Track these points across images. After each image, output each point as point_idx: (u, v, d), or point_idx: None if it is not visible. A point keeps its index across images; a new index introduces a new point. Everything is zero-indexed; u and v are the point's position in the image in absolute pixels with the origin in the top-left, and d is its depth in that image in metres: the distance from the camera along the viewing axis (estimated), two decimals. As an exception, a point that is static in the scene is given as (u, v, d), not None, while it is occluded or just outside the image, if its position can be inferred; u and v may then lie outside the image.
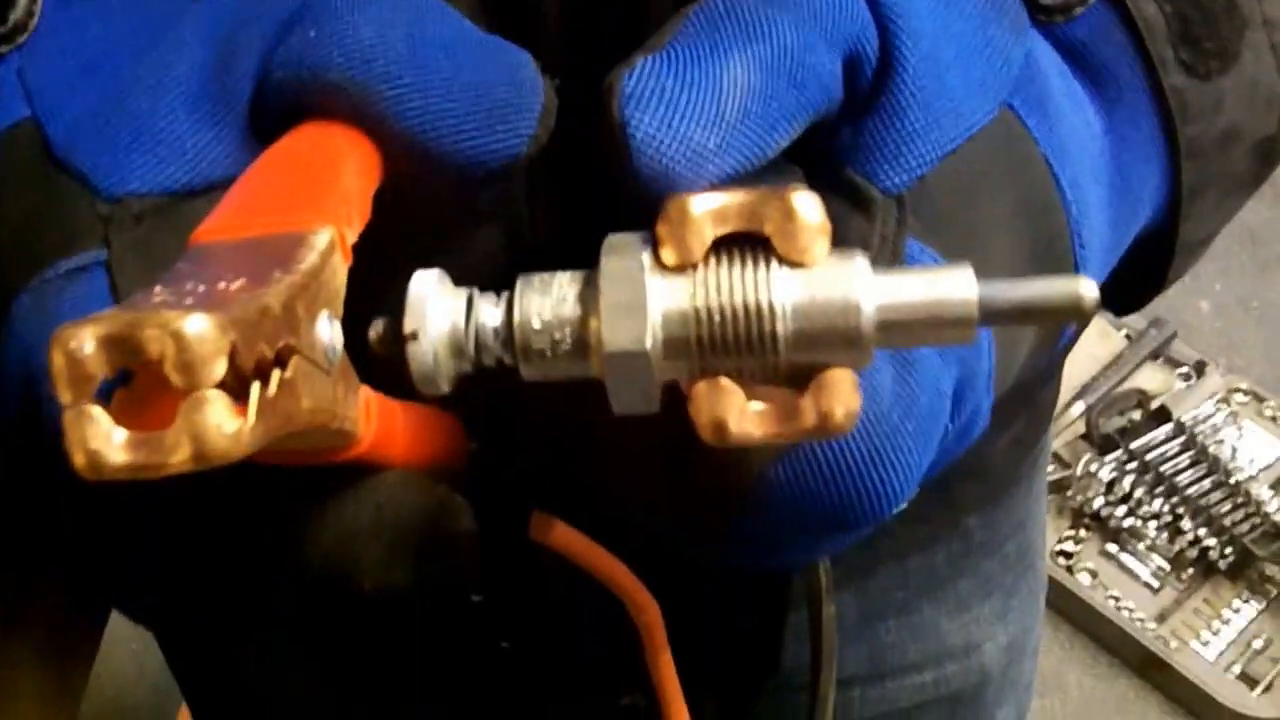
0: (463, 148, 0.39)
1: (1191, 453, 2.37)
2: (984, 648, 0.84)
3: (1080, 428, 2.43)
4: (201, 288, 0.31)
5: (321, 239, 0.34)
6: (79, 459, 0.29)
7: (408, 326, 0.32)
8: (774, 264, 0.32)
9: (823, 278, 0.32)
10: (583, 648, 0.68)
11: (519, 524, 0.47)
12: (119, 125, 0.41)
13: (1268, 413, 2.49)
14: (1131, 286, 0.55)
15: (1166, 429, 2.41)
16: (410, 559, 0.43)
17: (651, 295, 0.32)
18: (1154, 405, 2.44)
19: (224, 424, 0.28)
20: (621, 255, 0.32)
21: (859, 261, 0.32)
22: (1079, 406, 2.43)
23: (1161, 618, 2.26)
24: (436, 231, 0.44)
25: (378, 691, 0.75)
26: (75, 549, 0.45)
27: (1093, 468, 2.36)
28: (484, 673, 0.72)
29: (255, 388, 0.30)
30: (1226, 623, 2.25)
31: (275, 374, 0.30)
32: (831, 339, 0.32)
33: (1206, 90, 0.48)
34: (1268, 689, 2.17)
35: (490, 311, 0.33)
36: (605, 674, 0.68)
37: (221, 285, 0.31)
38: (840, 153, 0.40)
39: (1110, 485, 2.35)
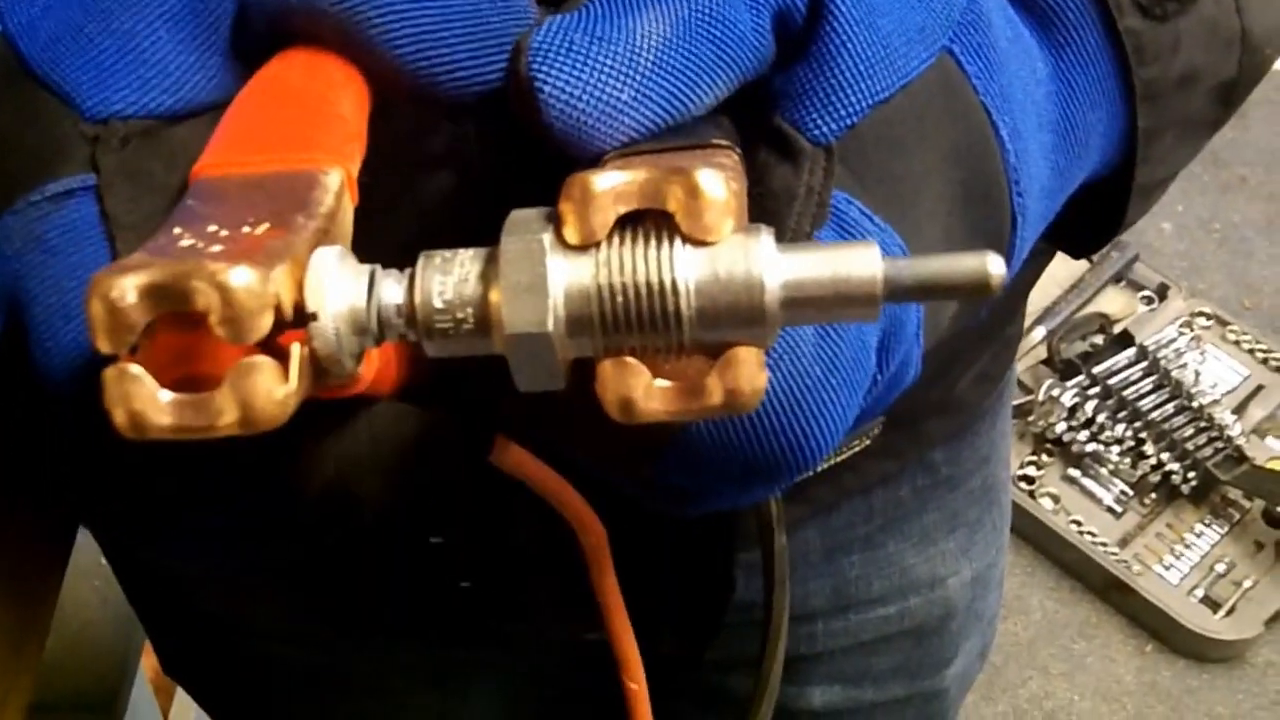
0: (455, 76, 0.39)
1: (1154, 377, 2.38)
2: (948, 581, 0.84)
3: (1042, 353, 2.42)
4: (225, 231, 0.31)
5: (334, 179, 0.35)
6: (120, 418, 0.29)
7: (309, 306, 0.31)
8: (678, 242, 0.32)
9: (726, 255, 0.32)
10: (542, 587, 0.68)
11: (483, 447, 0.47)
12: (103, 44, 0.40)
13: (1230, 336, 2.49)
14: (1088, 229, 0.55)
15: (1129, 353, 2.41)
16: (408, 489, 0.44)
17: (553, 275, 0.32)
18: (1116, 329, 2.44)
19: (274, 390, 0.29)
20: (522, 234, 0.32)
21: (763, 239, 0.32)
22: (1040, 331, 2.43)
23: (1124, 542, 2.26)
24: (398, 175, 0.43)
25: (340, 626, 0.77)
26: (56, 469, 0.45)
27: (1054, 393, 2.36)
28: (445, 610, 0.73)
29: (297, 350, 0.30)
30: (1189, 547, 2.25)
31: (309, 329, 0.31)
32: (735, 317, 0.32)
33: (1163, 32, 0.48)
34: (1230, 612, 2.18)
35: (392, 289, 0.33)
36: (566, 611, 0.67)
37: (245, 229, 0.31)
38: (770, 100, 0.40)
39: (1072, 410, 2.35)
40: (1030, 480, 2.32)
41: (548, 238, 0.32)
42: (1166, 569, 2.23)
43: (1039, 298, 2.44)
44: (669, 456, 0.38)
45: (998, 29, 0.43)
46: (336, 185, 0.34)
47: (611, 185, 0.32)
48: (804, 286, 0.32)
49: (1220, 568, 2.23)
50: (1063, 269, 2.51)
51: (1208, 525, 2.28)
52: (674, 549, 0.65)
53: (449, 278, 0.33)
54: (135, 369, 0.29)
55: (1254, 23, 0.52)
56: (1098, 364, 2.38)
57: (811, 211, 0.38)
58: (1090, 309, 2.48)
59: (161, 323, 0.29)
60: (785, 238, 0.38)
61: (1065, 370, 2.40)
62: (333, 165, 0.35)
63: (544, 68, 0.37)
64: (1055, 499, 2.31)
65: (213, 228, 0.31)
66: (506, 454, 0.47)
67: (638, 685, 0.60)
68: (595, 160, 0.38)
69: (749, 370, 0.32)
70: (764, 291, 0.31)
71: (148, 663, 1.45)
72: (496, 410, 0.47)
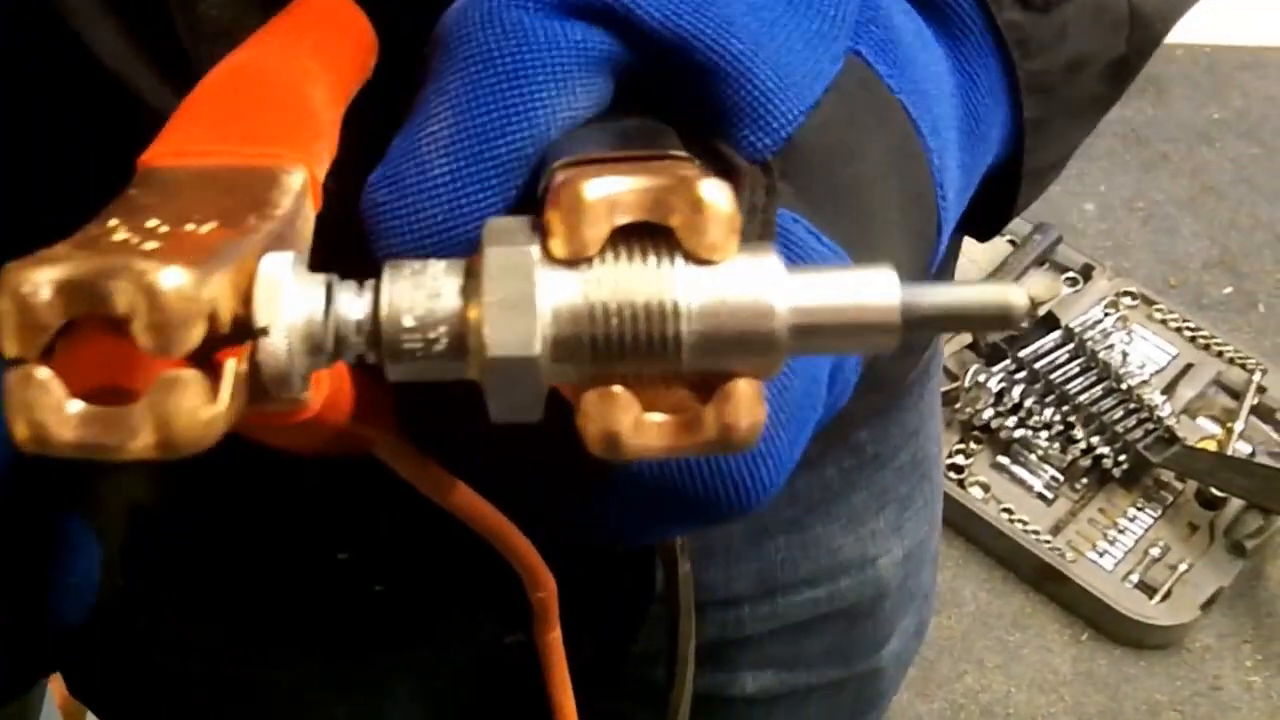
0: None
1: (1081, 359, 2.36)
2: (879, 561, 0.83)
3: (966, 337, 2.40)
4: (166, 227, 0.28)
5: (296, 179, 0.33)
6: (20, 429, 0.26)
7: (259, 319, 0.28)
8: (679, 260, 0.30)
9: (732, 276, 0.29)
10: (458, 591, 0.67)
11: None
12: None
13: (1157, 315, 2.48)
14: (983, 214, 0.54)
15: (1055, 336, 2.39)
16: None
17: (541, 292, 0.29)
18: (1041, 312, 2.42)
19: (198, 410, 0.26)
20: (507, 244, 0.29)
21: (772, 259, 0.30)
22: None
23: (1056, 529, 2.24)
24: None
25: (249, 637, 0.75)
26: None
27: (981, 378, 2.33)
28: (358, 617, 0.72)
29: (231, 366, 0.27)
30: (1122, 532, 2.23)
31: (252, 344, 0.28)
32: (741, 344, 0.29)
33: (1047, 22, 0.47)
34: (1166, 597, 2.17)
35: (352, 302, 0.30)
36: (484, 615, 0.69)
37: (189, 227, 0.29)
38: (704, 120, 0.38)
39: (999, 396, 2.33)
40: (959, 469, 2.29)
41: (535, 250, 0.29)
42: (1100, 555, 2.21)
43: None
44: (607, 496, 0.37)
45: (900, 23, 0.43)
46: (298, 186, 0.32)
47: (606, 194, 0.29)
48: (817, 313, 0.30)
49: (1155, 552, 2.21)
50: (984, 253, 2.49)
51: (1140, 509, 2.26)
52: (593, 561, 0.64)
53: (420, 292, 0.29)
54: (42, 374, 0.26)
55: (1143, 0, 0.51)
56: (1023, 347, 2.36)
57: (756, 232, 0.36)
58: None
59: (87, 324, 0.26)
60: None
61: (990, 355, 2.37)
62: (296, 164, 0.33)
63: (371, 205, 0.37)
64: (985, 488, 2.29)
65: (153, 222, 0.29)
66: (454, 493, 0.44)
67: None
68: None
69: (748, 404, 0.30)
70: (773, 317, 0.29)
71: (55, 687, 1.39)
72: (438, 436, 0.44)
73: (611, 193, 0.29)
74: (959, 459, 2.30)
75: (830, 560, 0.80)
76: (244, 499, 0.54)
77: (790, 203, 0.38)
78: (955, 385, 2.33)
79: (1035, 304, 2.43)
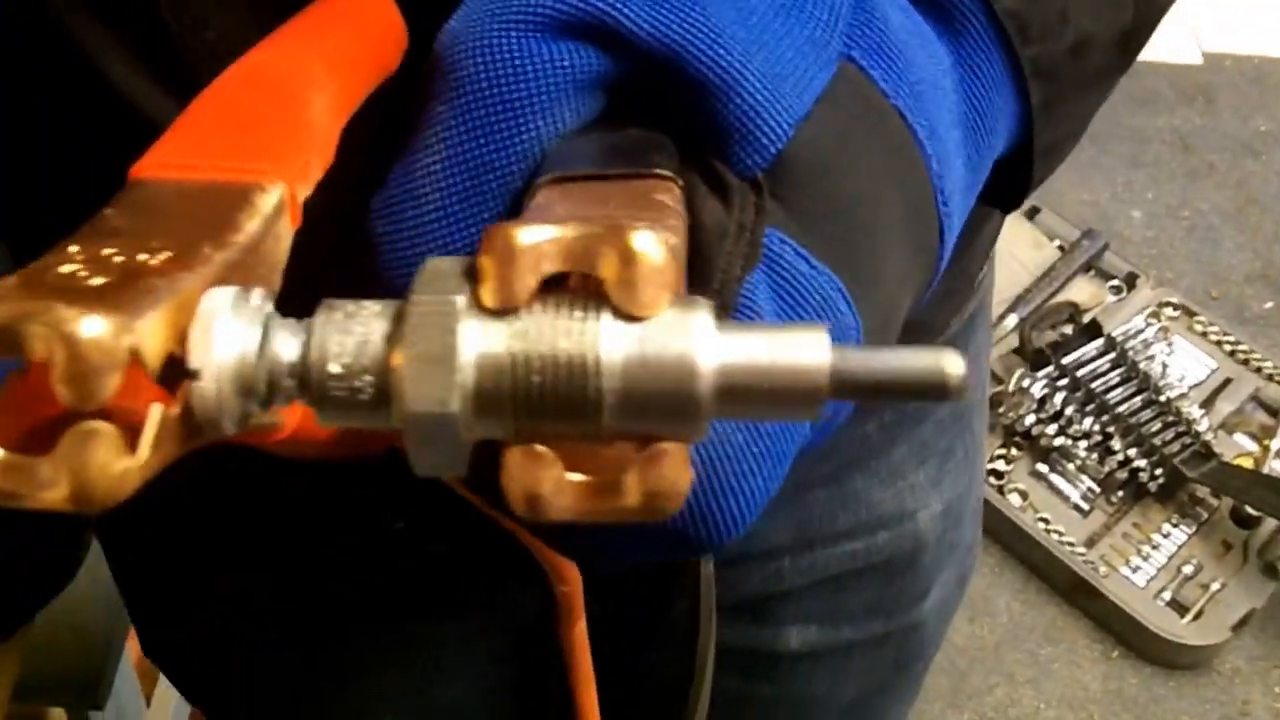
0: None
1: (1122, 369, 2.35)
2: (918, 515, 0.83)
3: (1013, 341, 2.39)
4: (121, 257, 0.29)
5: (268, 200, 0.33)
6: None
7: (191, 361, 0.28)
8: (606, 314, 0.28)
9: (658, 332, 0.28)
10: (511, 560, 0.66)
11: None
12: None
13: (1197, 328, 2.47)
14: (1005, 188, 0.52)
15: (1097, 344, 2.38)
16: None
17: (464, 345, 0.28)
18: (1085, 319, 2.42)
19: (110, 464, 0.26)
20: (435, 292, 0.28)
21: (701, 316, 0.28)
22: (1012, 319, 2.40)
23: (1091, 542, 2.23)
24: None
25: (314, 606, 0.77)
26: None
27: (1025, 383, 2.33)
28: (413, 581, 0.74)
29: (155, 412, 0.27)
30: (1156, 547, 2.22)
31: (186, 386, 0.28)
32: (662, 407, 0.28)
33: (1046, 6, 0.46)
34: (1198, 616, 2.15)
35: (288, 343, 0.29)
36: (536, 585, 0.69)
37: (142, 257, 0.29)
38: (694, 135, 0.38)
39: (1042, 402, 2.32)
40: (999, 475, 2.28)
41: (462, 300, 0.28)
42: (1134, 570, 2.19)
43: (1011, 285, 2.42)
44: (573, 528, 0.35)
45: (895, 23, 0.42)
46: (269, 207, 0.32)
47: (537, 240, 0.28)
48: (742, 374, 0.28)
49: (1188, 569, 2.19)
50: (1033, 257, 2.49)
51: (1175, 525, 2.25)
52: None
53: (349, 337, 0.29)
54: None
55: None
56: (1067, 354, 2.35)
57: (743, 251, 0.36)
58: (1060, 298, 2.46)
59: (27, 368, 0.27)
60: (715, 280, 0.35)
61: (1035, 360, 2.36)
62: (275, 181, 0.33)
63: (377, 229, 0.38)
64: (1024, 495, 2.28)
65: (108, 251, 0.29)
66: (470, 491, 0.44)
67: None
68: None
69: (672, 469, 0.29)
70: (695, 379, 0.28)
71: (133, 646, 1.44)
72: None
73: (542, 240, 0.28)
74: (1000, 464, 2.29)
75: (868, 514, 0.81)
76: (298, 472, 0.53)
77: (780, 221, 0.37)
78: (1000, 389, 2.32)
79: (1080, 310, 2.43)
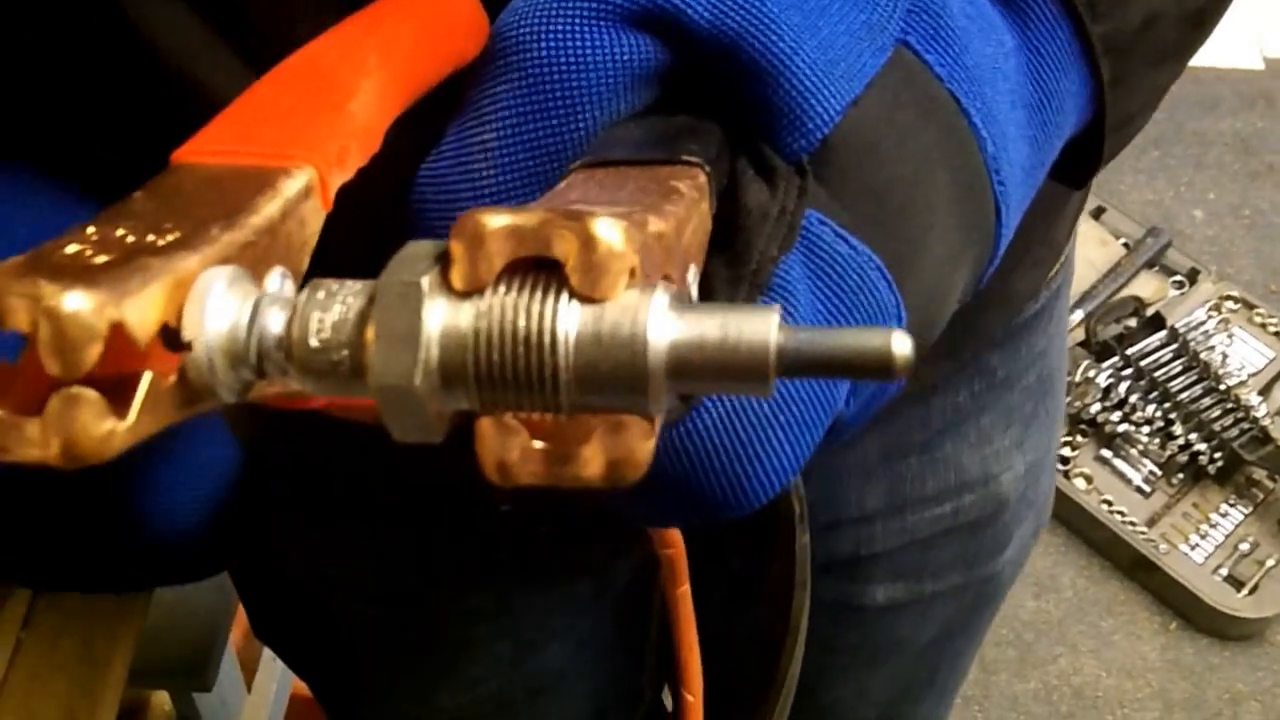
0: None
1: (1184, 359, 2.40)
2: (1002, 477, 0.84)
3: (1079, 335, 2.44)
4: (132, 238, 0.29)
5: (293, 184, 0.32)
6: None
7: (184, 333, 0.29)
8: (564, 296, 0.29)
9: (612, 314, 0.29)
10: (616, 530, 0.67)
11: None
12: None
13: (1257, 319, 2.51)
14: (1077, 164, 0.51)
15: (1160, 336, 2.42)
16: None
17: (429, 323, 0.29)
18: (1149, 313, 2.46)
19: (92, 426, 0.26)
20: (404, 273, 0.29)
21: (657, 298, 0.29)
22: (1078, 314, 2.44)
23: (1152, 522, 2.29)
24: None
25: (418, 578, 0.77)
26: None
27: (1091, 374, 2.38)
28: (521, 556, 0.74)
29: (144, 379, 0.27)
30: (1214, 526, 2.28)
31: (183, 357, 0.28)
32: (616, 383, 0.29)
33: None
34: (1253, 590, 2.21)
35: (276, 318, 0.30)
36: (614, 544, 0.68)
37: (151, 238, 0.29)
38: (744, 119, 0.38)
39: (1107, 391, 2.37)
40: (1065, 460, 2.34)
41: (428, 280, 0.29)
42: (1192, 548, 2.26)
43: (1077, 282, 2.43)
44: (614, 494, 0.36)
45: (953, 8, 0.41)
46: (294, 191, 0.32)
47: (503, 224, 0.29)
48: (692, 353, 0.29)
49: (1244, 547, 2.25)
50: (1100, 254, 2.52)
51: (1232, 505, 2.30)
52: None
53: (329, 314, 0.30)
54: None
55: None
56: (1131, 346, 2.40)
57: (781, 233, 0.36)
58: (1125, 293, 2.50)
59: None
60: (753, 260, 0.36)
61: (1101, 352, 2.42)
62: (303, 166, 0.33)
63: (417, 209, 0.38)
64: (1088, 479, 2.33)
65: (120, 232, 0.29)
66: None
67: (694, 698, 0.60)
68: None
69: (631, 440, 0.29)
70: (646, 355, 0.28)
71: (233, 634, 1.47)
72: None
73: (508, 225, 0.29)
74: (1066, 450, 2.34)
75: (957, 478, 0.81)
76: (406, 456, 0.55)
77: (823, 203, 0.37)
78: (1067, 379, 2.34)
79: (1144, 304, 2.47)
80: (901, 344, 0.28)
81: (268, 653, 1.62)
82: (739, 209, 0.36)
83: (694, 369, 0.29)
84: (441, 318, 0.29)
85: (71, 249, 0.28)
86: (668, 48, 0.37)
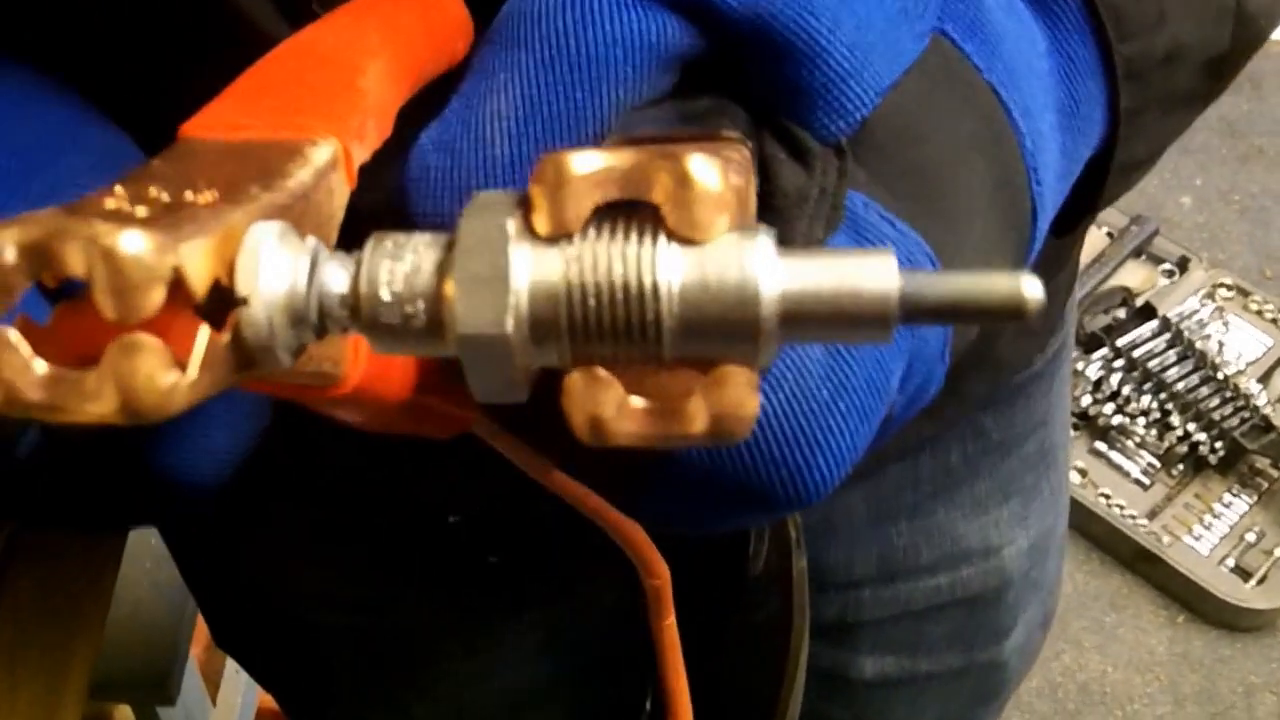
0: None
1: (1178, 349, 2.38)
2: (1003, 551, 0.82)
3: (1067, 326, 2.40)
4: (166, 195, 0.28)
5: (320, 154, 0.31)
6: None
7: (239, 289, 0.27)
8: (662, 239, 0.27)
9: (717, 257, 0.27)
10: (571, 557, 0.67)
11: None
12: None
13: (1253, 306, 2.49)
14: (1066, 207, 0.50)
15: (1152, 325, 2.41)
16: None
17: (516, 268, 0.27)
18: (1139, 302, 2.44)
19: (156, 376, 0.25)
20: (485, 218, 0.28)
21: (761, 240, 0.27)
22: None
23: (1153, 514, 2.27)
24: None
25: (377, 593, 0.77)
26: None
27: (1079, 366, 2.36)
28: (478, 580, 0.74)
29: (203, 334, 0.26)
30: (1218, 517, 2.26)
31: (238, 314, 0.27)
32: (724, 330, 0.27)
33: (1145, 5, 0.45)
34: (1261, 581, 2.19)
35: (336, 274, 0.28)
36: (599, 577, 0.68)
37: (188, 195, 0.28)
38: (775, 98, 0.37)
39: (1098, 383, 2.36)
40: None
41: (513, 224, 0.27)
42: (1196, 539, 2.23)
43: None
44: (655, 480, 0.35)
45: (991, 2, 0.41)
46: (322, 160, 0.31)
47: (591, 169, 0.27)
48: (806, 299, 0.27)
49: (1250, 537, 2.23)
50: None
51: (1236, 495, 2.28)
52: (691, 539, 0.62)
53: (400, 264, 0.28)
54: (13, 335, 0.25)
55: None
56: (1121, 336, 2.38)
57: (825, 215, 0.35)
58: (1112, 282, 2.48)
59: (84, 295, 0.26)
60: (796, 243, 0.35)
61: (1089, 344, 2.40)
62: (326, 137, 0.32)
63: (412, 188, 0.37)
64: (1083, 473, 2.31)
65: (153, 190, 0.28)
66: (556, 476, 0.44)
67: None
68: None
69: (737, 393, 0.28)
70: (759, 303, 0.27)
71: (195, 649, 1.47)
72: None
73: (596, 168, 0.27)
74: None
75: (953, 548, 0.80)
76: (362, 451, 0.53)
77: (864, 186, 0.36)
78: None
79: (1133, 294, 2.45)
80: (1032, 286, 0.27)
81: (231, 665, 1.62)
82: (774, 191, 0.35)
83: (808, 316, 0.27)
84: (529, 265, 0.27)
85: (109, 203, 0.27)
86: (696, 31, 0.36)
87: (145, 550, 1.36)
